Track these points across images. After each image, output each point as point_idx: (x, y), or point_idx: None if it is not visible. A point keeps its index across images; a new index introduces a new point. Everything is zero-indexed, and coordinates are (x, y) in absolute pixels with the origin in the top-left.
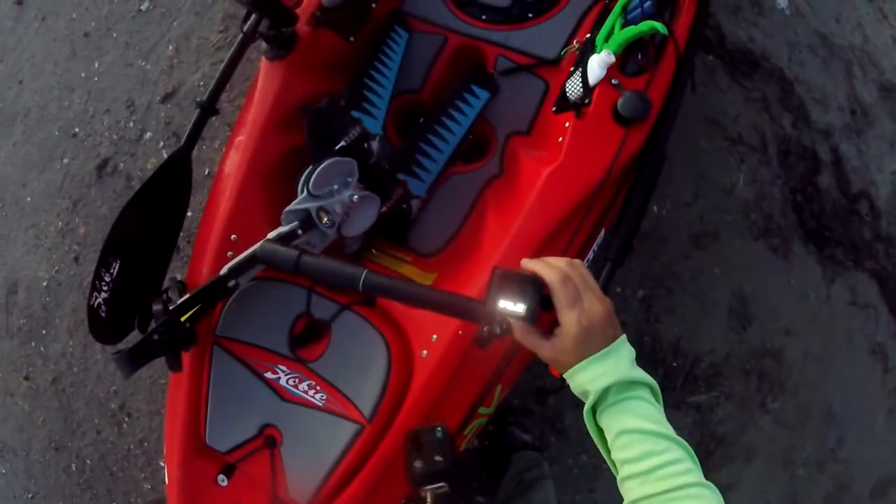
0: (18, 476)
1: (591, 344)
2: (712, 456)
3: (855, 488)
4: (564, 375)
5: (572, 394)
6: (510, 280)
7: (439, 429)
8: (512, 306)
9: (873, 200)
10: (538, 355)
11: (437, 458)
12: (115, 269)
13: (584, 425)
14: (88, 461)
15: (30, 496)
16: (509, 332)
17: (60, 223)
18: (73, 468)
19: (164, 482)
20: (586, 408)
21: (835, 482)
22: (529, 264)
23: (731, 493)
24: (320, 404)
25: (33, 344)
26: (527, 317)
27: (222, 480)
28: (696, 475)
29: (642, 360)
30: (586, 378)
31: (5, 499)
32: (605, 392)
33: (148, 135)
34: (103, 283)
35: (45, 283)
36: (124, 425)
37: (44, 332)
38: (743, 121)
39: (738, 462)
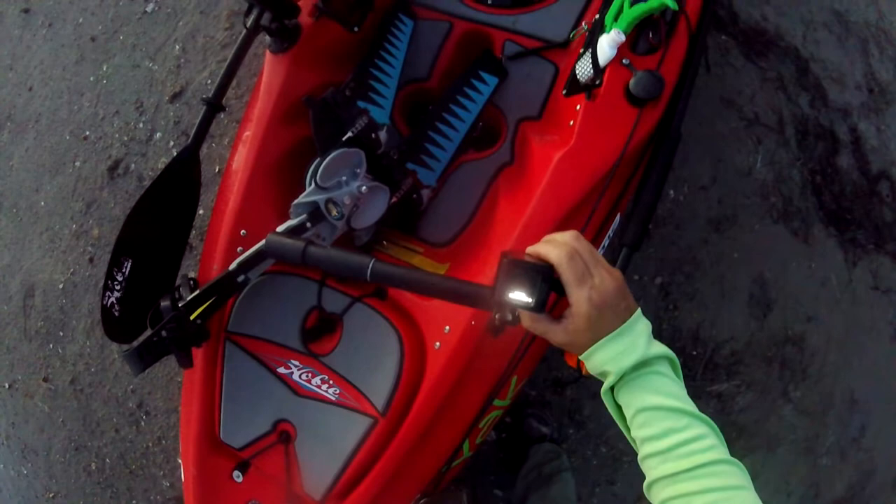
0: (40, 476)
1: (604, 321)
2: (734, 446)
3: (878, 476)
4: (581, 357)
5: (590, 384)
6: (518, 269)
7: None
8: (521, 297)
9: (894, 181)
10: (551, 341)
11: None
12: (128, 268)
13: (604, 409)
14: (108, 460)
15: (51, 496)
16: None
17: (74, 226)
18: (94, 467)
19: (182, 479)
20: (605, 388)
21: (858, 470)
22: (534, 249)
23: (753, 483)
24: (333, 398)
25: (51, 346)
26: (537, 307)
27: (237, 476)
28: (720, 451)
29: None
30: (604, 359)
31: (28, 499)
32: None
33: (158, 135)
34: (116, 283)
35: (60, 286)
36: (142, 423)
37: (61, 333)
38: (759, 101)
39: (759, 452)
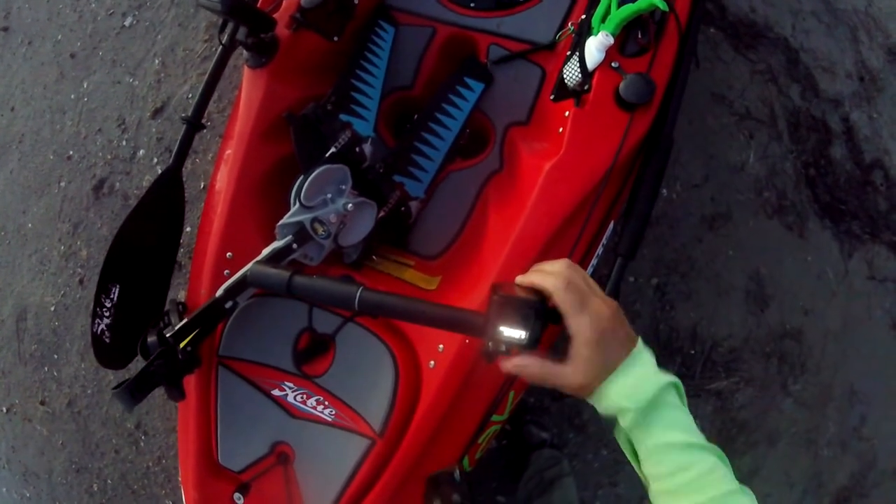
0: (42, 499)
1: (609, 349)
2: (734, 442)
3: (879, 465)
4: (592, 398)
5: None
6: (510, 305)
7: (456, 472)
8: (513, 333)
9: (887, 169)
10: (560, 386)
11: (455, 498)
12: (116, 294)
13: (603, 421)
14: (109, 481)
15: None
16: (515, 348)
17: (63, 247)
18: (96, 488)
19: (185, 502)
20: (626, 426)
21: (859, 460)
22: (525, 279)
23: (755, 478)
24: (330, 420)
25: (46, 369)
26: (529, 344)
27: (238, 499)
28: (729, 482)
29: (659, 350)
30: (619, 393)
31: None
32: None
33: (141, 152)
34: (104, 309)
35: (52, 308)
36: (142, 444)
37: (55, 356)
38: (750, 94)
39: (760, 447)
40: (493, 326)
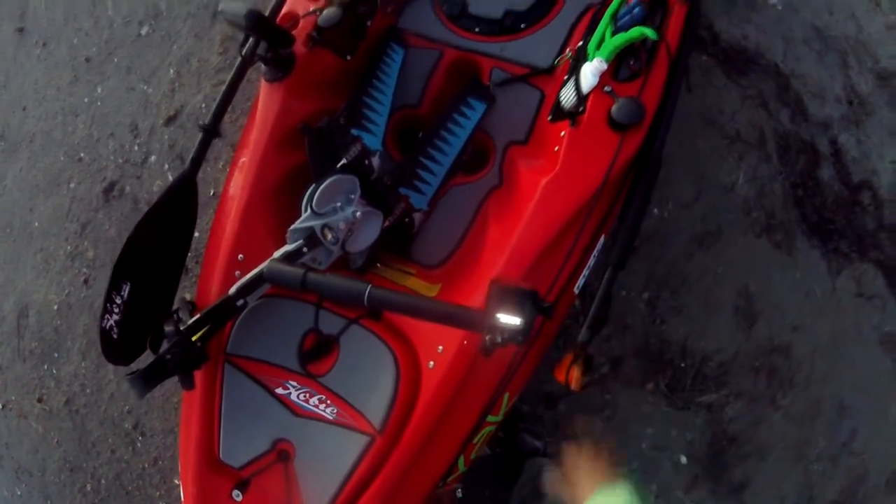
0: (34, 497)
1: None
2: (724, 455)
3: (870, 480)
4: None
5: (582, 398)
6: (507, 294)
7: (459, 490)
8: (510, 319)
9: (875, 190)
10: None
11: None
12: (126, 292)
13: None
14: (103, 481)
15: None
16: (511, 342)
17: (69, 247)
18: (89, 488)
19: (180, 500)
20: None
21: (850, 475)
22: None
23: (745, 492)
24: (331, 418)
25: (46, 366)
26: (524, 329)
27: (237, 495)
28: None
29: (650, 363)
30: None
31: None
32: None
33: (153, 158)
34: (114, 306)
35: (55, 307)
36: (138, 444)
37: (56, 354)
38: (740, 118)
39: (751, 460)
40: (491, 314)
